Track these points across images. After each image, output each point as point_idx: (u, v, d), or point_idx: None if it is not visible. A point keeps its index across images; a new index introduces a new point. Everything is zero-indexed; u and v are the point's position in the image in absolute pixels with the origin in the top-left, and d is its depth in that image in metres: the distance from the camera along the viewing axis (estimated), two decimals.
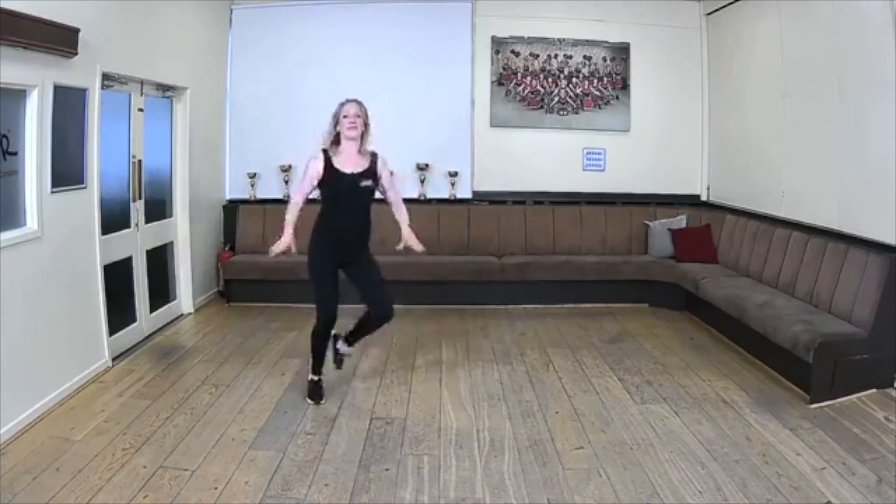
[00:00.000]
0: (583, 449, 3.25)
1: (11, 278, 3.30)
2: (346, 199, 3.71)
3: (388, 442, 3.33)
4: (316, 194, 3.77)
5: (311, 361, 3.86)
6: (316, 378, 3.86)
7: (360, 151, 3.71)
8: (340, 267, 3.77)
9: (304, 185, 3.72)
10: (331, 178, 3.64)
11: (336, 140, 3.68)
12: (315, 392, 3.83)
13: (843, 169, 4.37)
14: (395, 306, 3.90)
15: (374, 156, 3.75)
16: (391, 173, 3.83)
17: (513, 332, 5.22)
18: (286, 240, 3.71)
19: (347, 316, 3.85)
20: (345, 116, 3.64)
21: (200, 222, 5.83)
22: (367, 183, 3.70)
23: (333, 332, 3.90)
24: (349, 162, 3.67)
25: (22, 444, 3.20)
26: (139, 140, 4.84)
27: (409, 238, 3.88)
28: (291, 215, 3.73)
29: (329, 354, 3.94)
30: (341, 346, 4.03)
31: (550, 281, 5.98)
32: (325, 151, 3.68)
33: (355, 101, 3.72)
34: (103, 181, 4.23)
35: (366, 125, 3.69)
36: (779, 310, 4.25)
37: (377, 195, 3.84)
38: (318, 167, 3.65)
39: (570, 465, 3.09)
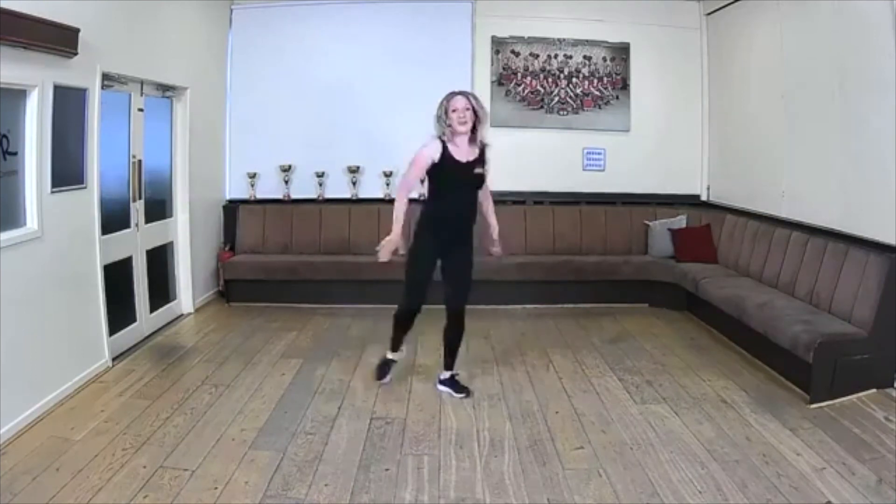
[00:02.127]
0: (583, 449, 3.25)
1: (11, 278, 3.30)
2: (461, 188, 3.68)
3: (388, 442, 3.33)
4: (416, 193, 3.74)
5: (391, 338, 3.97)
6: (389, 357, 3.98)
7: (472, 141, 3.67)
8: (441, 257, 3.75)
9: (413, 172, 3.65)
10: (447, 165, 3.61)
11: (451, 133, 3.62)
12: (381, 369, 4.01)
13: (843, 169, 4.37)
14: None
15: (483, 145, 3.71)
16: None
17: (513, 332, 5.22)
18: (395, 238, 3.64)
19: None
20: (454, 110, 3.59)
21: (200, 222, 5.83)
22: (480, 170, 3.69)
23: (446, 376, 3.97)
24: (463, 151, 3.64)
25: (22, 444, 3.20)
26: (139, 140, 4.84)
27: (496, 235, 3.93)
28: (400, 211, 3.66)
29: (450, 391, 3.94)
30: (446, 377, 4.00)
31: (550, 281, 5.98)
32: (441, 140, 3.63)
33: (464, 93, 3.64)
34: (103, 181, 4.23)
35: (477, 117, 3.61)
36: (779, 310, 4.25)
37: None
38: (431, 154, 3.59)
39: (570, 465, 3.09)
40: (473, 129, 3.63)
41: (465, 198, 3.72)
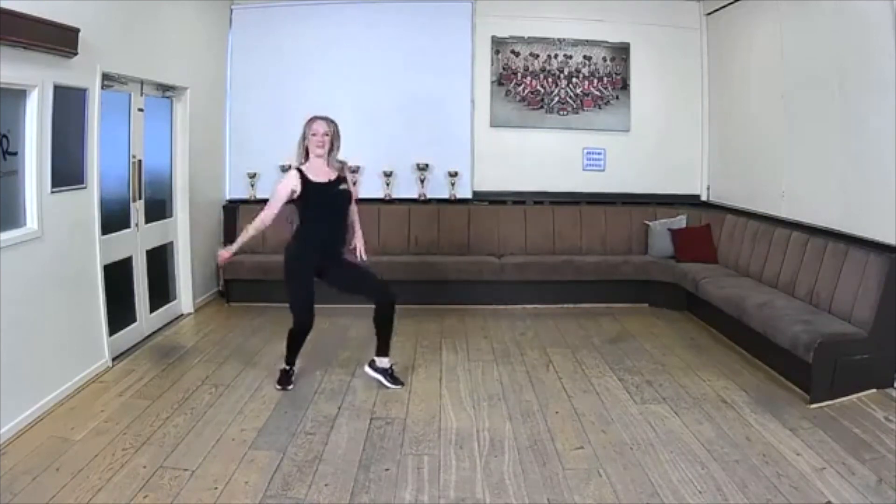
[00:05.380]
0: (583, 449, 3.25)
1: (11, 278, 3.30)
2: (327, 207, 3.87)
3: (388, 442, 3.33)
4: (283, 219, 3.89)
5: (285, 353, 4.02)
6: (287, 368, 4.03)
7: (329, 164, 3.86)
8: (318, 275, 3.90)
9: (275, 202, 3.78)
10: (309, 190, 3.78)
11: (306, 155, 3.84)
12: (284, 378, 4.01)
13: (843, 169, 4.37)
14: (396, 306, 3.95)
15: (341, 164, 3.93)
16: (354, 183, 4.02)
17: (513, 332, 5.22)
18: (234, 248, 3.90)
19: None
20: (313, 135, 3.80)
21: (200, 222, 5.83)
22: (344, 186, 3.89)
23: (376, 362, 4.05)
24: (321, 173, 3.83)
25: (22, 444, 3.20)
26: (139, 140, 4.84)
27: (360, 241, 4.10)
28: (255, 229, 3.82)
29: (384, 380, 4.02)
30: (381, 363, 4.06)
31: (550, 281, 5.98)
32: (298, 170, 3.81)
33: (324, 118, 3.85)
34: (103, 181, 4.23)
35: (332, 143, 3.83)
36: (779, 310, 4.25)
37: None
38: (291, 184, 3.77)
39: (570, 465, 3.09)
40: (329, 152, 3.83)
41: (334, 215, 3.92)
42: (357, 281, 3.99)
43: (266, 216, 3.79)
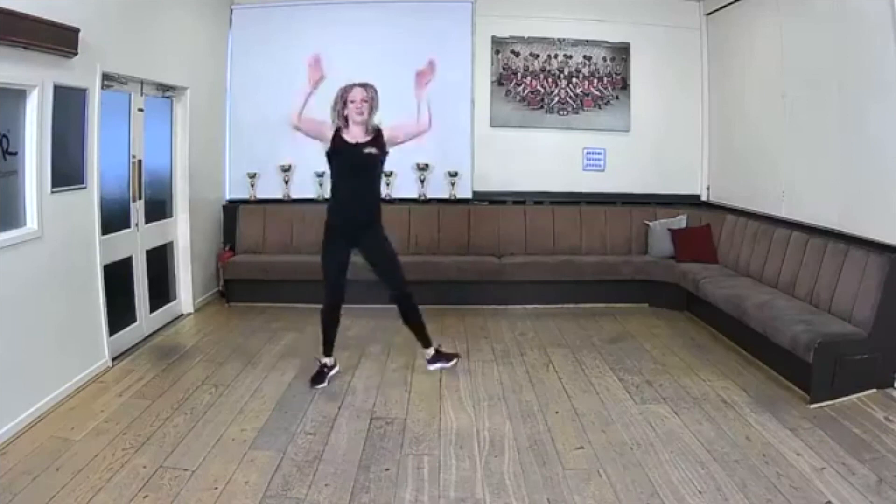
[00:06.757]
0: (583, 449, 3.25)
1: (11, 278, 3.30)
2: (348, 168, 3.86)
3: (388, 442, 3.33)
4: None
5: (321, 340, 4.04)
6: (323, 361, 4.03)
7: (367, 130, 3.88)
8: (354, 248, 3.91)
9: (314, 118, 3.80)
10: (338, 148, 3.82)
11: (346, 122, 3.85)
12: (318, 376, 4.02)
13: (843, 169, 4.37)
14: (415, 298, 4.05)
15: (378, 130, 3.90)
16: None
17: (513, 332, 5.22)
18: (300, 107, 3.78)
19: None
20: (352, 102, 3.82)
21: (200, 222, 5.83)
22: (371, 150, 3.85)
23: (425, 355, 4.15)
24: (355, 135, 3.86)
25: (22, 444, 3.20)
26: (139, 140, 4.84)
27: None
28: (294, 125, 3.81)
29: (443, 365, 4.14)
30: (426, 355, 4.17)
31: (550, 281, 5.98)
32: (337, 130, 3.86)
33: (362, 85, 3.86)
34: (103, 181, 4.23)
35: (371, 108, 3.85)
36: (779, 310, 4.25)
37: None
38: (327, 122, 3.84)
39: (570, 465, 3.09)
40: (369, 118, 3.86)
41: (356, 181, 3.89)
42: (381, 265, 3.98)
43: (298, 120, 3.79)
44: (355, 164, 3.85)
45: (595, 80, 6.48)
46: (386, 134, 3.91)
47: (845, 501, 2.75)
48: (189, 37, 5.54)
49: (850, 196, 4.31)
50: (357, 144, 3.83)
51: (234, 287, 5.99)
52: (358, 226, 3.91)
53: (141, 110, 4.84)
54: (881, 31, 3.89)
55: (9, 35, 3.15)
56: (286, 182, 6.38)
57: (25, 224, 3.52)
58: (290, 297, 5.85)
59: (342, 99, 3.83)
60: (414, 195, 6.41)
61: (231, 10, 6.33)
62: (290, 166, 6.35)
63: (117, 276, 4.53)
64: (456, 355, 4.09)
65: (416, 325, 4.10)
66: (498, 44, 6.45)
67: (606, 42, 6.45)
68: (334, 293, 3.93)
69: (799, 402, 3.77)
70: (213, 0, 6.00)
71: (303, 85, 3.74)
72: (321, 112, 3.86)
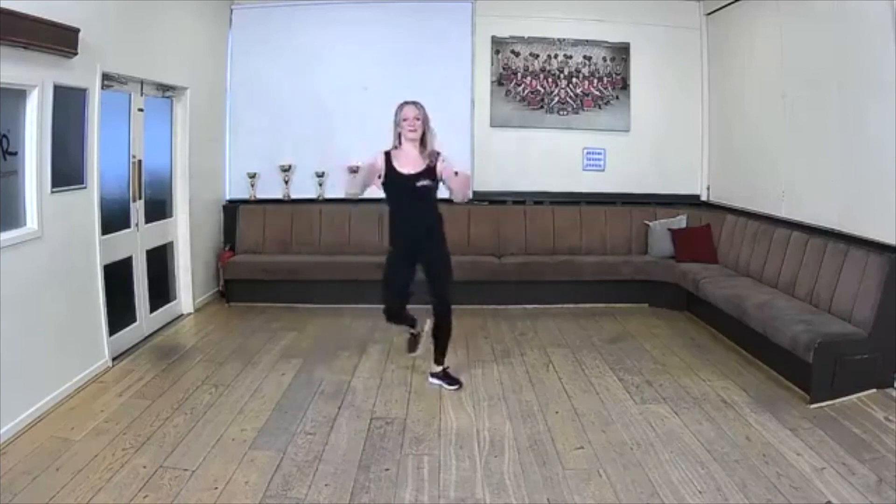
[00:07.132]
0: (583, 449, 3.25)
1: (11, 278, 3.30)
2: (407, 199, 3.84)
3: (388, 442, 3.33)
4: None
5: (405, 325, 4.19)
6: (414, 331, 4.18)
7: (421, 153, 3.80)
8: (414, 256, 3.91)
9: (361, 173, 3.73)
10: (389, 178, 3.80)
11: (399, 140, 3.82)
12: (411, 343, 4.24)
13: (843, 169, 4.37)
14: (450, 321, 4.02)
15: (435, 155, 3.82)
16: (455, 173, 3.74)
17: (513, 332, 5.22)
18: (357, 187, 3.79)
19: None
20: (404, 119, 3.78)
21: (200, 222, 5.83)
22: (424, 182, 3.78)
23: (437, 370, 4.10)
24: (408, 163, 3.79)
25: (22, 444, 3.20)
26: (139, 140, 4.84)
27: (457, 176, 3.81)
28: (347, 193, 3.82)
29: (443, 384, 4.07)
30: (432, 369, 4.15)
31: (550, 281, 5.98)
32: (386, 153, 3.82)
33: (413, 103, 3.84)
34: (103, 181, 4.23)
35: (424, 128, 3.79)
36: (779, 310, 4.25)
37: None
38: (375, 163, 3.78)
39: (570, 465, 3.09)
40: (423, 141, 3.79)
41: (415, 208, 3.88)
42: (432, 277, 3.95)
43: (349, 189, 3.79)
44: (409, 195, 3.81)
45: (595, 80, 6.48)
46: (439, 167, 3.79)
47: (845, 501, 2.75)
48: (189, 37, 5.54)
49: (850, 196, 4.31)
50: (410, 177, 3.76)
51: (234, 287, 5.99)
52: (419, 241, 3.89)
53: (141, 110, 4.84)
54: (881, 31, 3.89)
55: (9, 35, 3.15)
56: (286, 182, 6.38)
57: (25, 224, 3.53)
58: (290, 297, 5.86)
59: (395, 118, 3.82)
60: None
61: (231, 10, 6.33)
62: (290, 166, 6.35)
63: (117, 276, 4.53)
64: (459, 382, 4.05)
65: (443, 342, 4.07)
66: (498, 44, 6.45)
67: (606, 42, 6.45)
68: (391, 298, 3.97)
69: (799, 402, 3.77)
70: (213, 0, 6.00)
71: (351, 177, 3.75)
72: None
